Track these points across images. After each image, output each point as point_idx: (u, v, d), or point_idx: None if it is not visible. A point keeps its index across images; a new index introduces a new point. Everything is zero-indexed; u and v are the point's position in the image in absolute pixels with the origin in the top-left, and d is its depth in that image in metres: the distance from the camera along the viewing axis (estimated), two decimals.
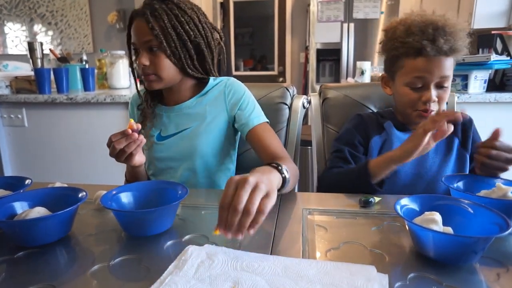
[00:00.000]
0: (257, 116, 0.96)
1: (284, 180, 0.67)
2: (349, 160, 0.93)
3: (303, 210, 0.73)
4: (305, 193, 0.86)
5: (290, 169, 0.73)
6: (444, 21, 0.85)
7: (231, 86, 0.99)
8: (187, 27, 0.90)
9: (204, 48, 0.93)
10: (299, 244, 0.59)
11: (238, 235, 0.53)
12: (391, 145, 0.93)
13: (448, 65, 0.86)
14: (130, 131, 0.76)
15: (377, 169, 0.81)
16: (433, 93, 0.86)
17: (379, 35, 3.41)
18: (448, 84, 0.88)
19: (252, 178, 0.53)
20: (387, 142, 0.94)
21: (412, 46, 0.85)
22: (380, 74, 1.02)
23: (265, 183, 0.54)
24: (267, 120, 0.98)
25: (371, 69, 2.29)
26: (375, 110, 1.11)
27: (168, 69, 0.91)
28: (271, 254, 0.56)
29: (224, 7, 4.59)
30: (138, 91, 1.02)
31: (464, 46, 0.86)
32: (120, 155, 0.79)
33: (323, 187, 0.93)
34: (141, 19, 0.88)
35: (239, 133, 1.01)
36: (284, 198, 0.80)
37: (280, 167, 0.66)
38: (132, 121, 0.78)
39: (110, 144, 0.79)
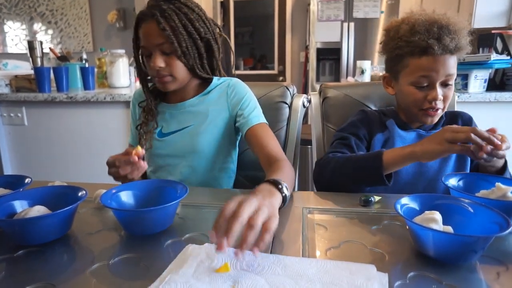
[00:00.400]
0: (256, 116, 0.96)
1: (284, 199, 0.65)
2: (353, 149, 0.92)
3: (303, 209, 0.73)
4: (305, 192, 0.86)
5: (287, 177, 0.75)
6: (447, 19, 0.85)
7: (234, 86, 0.99)
8: (197, 24, 0.90)
9: (213, 44, 0.95)
10: (299, 243, 0.59)
11: (238, 253, 0.48)
12: (393, 144, 0.93)
13: (453, 63, 0.86)
14: (136, 158, 0.75)
15: (392, 161, 0.78)
16: (439, 91, 0.86)
17: (379, 35, 3.41)
18: (453, 82, 0.88)
19: (255, 200, 0.52)
20: (390, 140, 0.94)
21: (417, 45, 0.85)
22: (381, 74, 1.02)
23: (267, 206, 0.53)
24: (266, 122, 0.98)
25: (371, 68, 2.29)
26: (375, 109, 1.11)
27: (182, 69, 0.92)
28: (271, 253, 0.56)
29: (224, 6, 4.59)
30: (143, 88, 1.02)
31: (467, 44, 0.87)
32: (121, 178, 0.79)
33: (323, 172, 0.87)
34: (151, 21, 0.88)
35: (240, 133, 1.01)
36: None
37: (280, 186, 0.65)
38: (139, 148, 0.77)
39: (111, 164, 0.78)
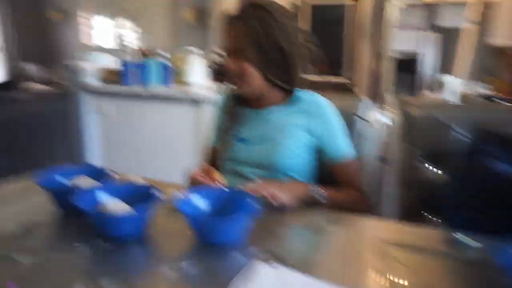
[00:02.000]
0: (345, 153, 0.94)
1: (312, 197, 0.86)
2: None
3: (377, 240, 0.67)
4: (381, 221, 0.80)
5: (337, 195, 0.90)
6: None
7: (320, 110, 0.94)
8: (277, 34, 0.87)
9: (292, 57, 0.89)
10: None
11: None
12: None
13: None
14: (217, 184, 0.80)
15: None
16: None
17: (467, 46, 3.11)
18: None
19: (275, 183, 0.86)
20: None
21: None
22: (476, 94, 0.88)
23: (279, 186, 0.82)
24: (354, 154, 0.94)
25: (460, 84, 2.03)
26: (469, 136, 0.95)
27: (254, 76, 0.89)
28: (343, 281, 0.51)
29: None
30: (227, 92, 1.03)
31: None
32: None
33: None
34: (232, 23, 0.89)
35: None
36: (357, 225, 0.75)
37: (312, 188, 0.87)
38: (223, 179, 0.83)
39: (191, 181, 0.84)
